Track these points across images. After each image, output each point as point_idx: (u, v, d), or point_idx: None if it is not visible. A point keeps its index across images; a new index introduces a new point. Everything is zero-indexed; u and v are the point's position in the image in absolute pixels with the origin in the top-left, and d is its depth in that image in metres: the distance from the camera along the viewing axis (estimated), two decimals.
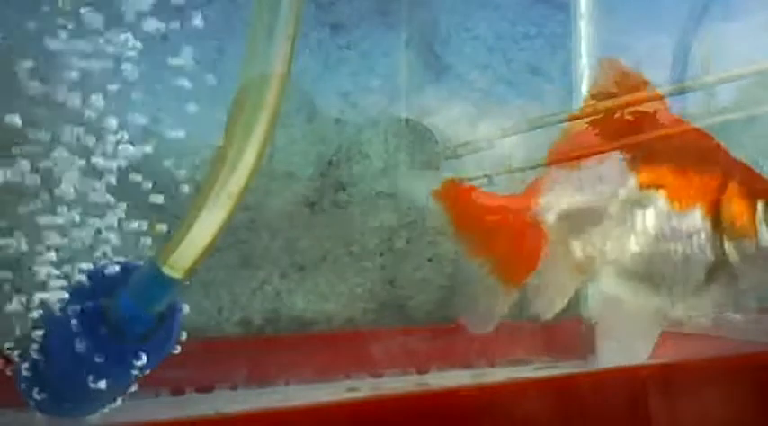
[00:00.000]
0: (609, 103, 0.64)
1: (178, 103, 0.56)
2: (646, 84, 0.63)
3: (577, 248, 0.65)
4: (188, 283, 0.49)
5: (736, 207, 0.57)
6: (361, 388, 0.81)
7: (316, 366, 0.82)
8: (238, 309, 0.85)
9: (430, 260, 0.95)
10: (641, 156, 0.62)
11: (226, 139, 0.48)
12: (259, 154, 0.48)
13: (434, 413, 0.58)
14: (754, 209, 0.56)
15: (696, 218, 0.58)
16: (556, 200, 0.65)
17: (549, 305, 0.68)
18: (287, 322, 0.87)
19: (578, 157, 0.65)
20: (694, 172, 0.59)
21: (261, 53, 0.47)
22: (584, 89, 1.03)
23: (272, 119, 0.48)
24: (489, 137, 0.89)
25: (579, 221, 0.64)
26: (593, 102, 0.66)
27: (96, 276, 0.54)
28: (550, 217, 0.65)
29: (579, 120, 0.67)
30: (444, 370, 0.88)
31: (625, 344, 0.64)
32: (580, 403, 0.62)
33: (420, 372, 0.87)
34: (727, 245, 0.57)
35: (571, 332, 0.98)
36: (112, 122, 0.53)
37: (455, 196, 0.71)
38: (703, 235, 0.57)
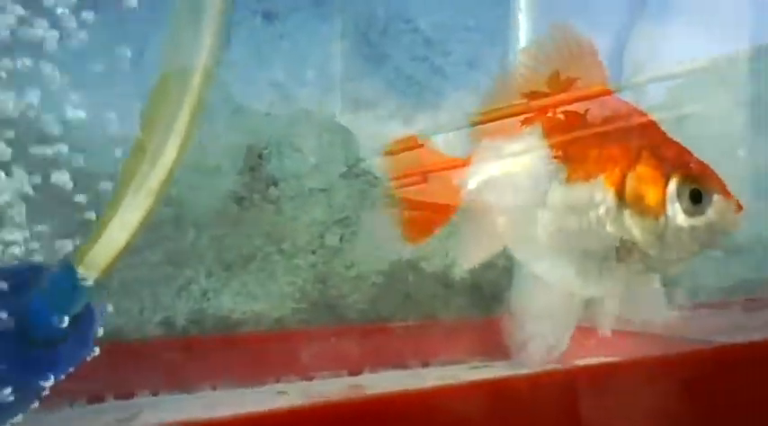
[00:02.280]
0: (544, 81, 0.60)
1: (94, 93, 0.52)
2: (594, 54, 0.59)
3: (497, 217, 0.62)
4: (106, 283, 0.46)
5: (643, 181, 0.53)
6: (291, 392, 0.78)
7: (244, 369, 0.79)
8: (161, 310, 0.81)
9: (364, 257, 0.93)
10: (555, 127, 0.58)
11: (144, 132, 0.45)
12: (182, 148, 0.46)
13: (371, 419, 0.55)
14: (665, 186, 0.52)
15: (597, 192, 0.54)
16: (480, 168, 0.63)
17: (467, 256, 0.67)
18: (213, 323, 0.83)
19: (497, 118, 0.63)
20: (602, 143, 0.55)
21: (185, 42, 0.45)
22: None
23: (196, 111, 0.45)
24: (426, 133, 0.87)
25: (499, 190, 0.62)
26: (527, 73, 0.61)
27: (2, 276, 0.50)
28: (473, 183, 0.63)
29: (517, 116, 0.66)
30: (377, 372, 0.86)
31: (544, 332, 0.62)
32: (518, 405, 0.61)
33: (352, 374, 0.85)
34: (632, 223, 0.53)
35: (505, 329, 0.97)
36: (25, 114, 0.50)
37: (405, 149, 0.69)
38: (605, 210, 0.53)
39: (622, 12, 1.12)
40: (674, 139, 0.56)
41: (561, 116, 0.59)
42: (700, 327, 0.73)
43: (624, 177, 0.53)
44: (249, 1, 0.88)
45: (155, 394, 0.74)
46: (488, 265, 1.03)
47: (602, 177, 0.53)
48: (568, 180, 0.55)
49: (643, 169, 0.53)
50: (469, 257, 0.67)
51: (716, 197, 0.51)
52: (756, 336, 0.72)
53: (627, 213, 0.53)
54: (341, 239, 0.91)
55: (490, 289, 1.02)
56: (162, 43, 0.46)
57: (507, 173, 0.61)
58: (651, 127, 0.57)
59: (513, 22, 1.08)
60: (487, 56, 1.07)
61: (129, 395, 0.73)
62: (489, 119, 0.64)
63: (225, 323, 0.84)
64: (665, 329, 0.76)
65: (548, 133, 0.58)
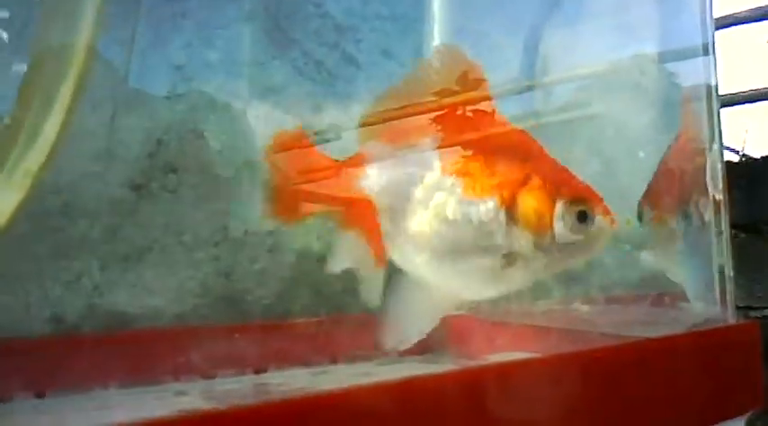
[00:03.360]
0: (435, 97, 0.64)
1: None
2: (481, 82, 0.63)
3: (386, 223, 0.65)
4: None
5: (532, 202, 0.59)
6: (191, 391, 0.74)
7: (140, 368, 0.74)
8: (49, 305, 0.75)
9: (270, 250, 0.89)
10: (448, 144, 0.63)
11: (19, 111, 0.42)
12: (61, 128, 0.42)
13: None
14: (552, 207, 0.59)
15: (491, 207, 0.59)
16: (371, 172, 0.66)
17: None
18: (107, 319, 0.78)
19: (390, 119, 0.66)
20: (497, 164, 0.61)
21: (62, 18, 0.42)
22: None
23: (77, 91, 0.42)
24: (337, 127, 0.86)
25: (388, 197, 0.65)
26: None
27: None
28: (365, 185, 0.66)
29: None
30: (284, 369, 0.82)
31: (404, 323, 0.65)
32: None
33: (257, 372, 0.81)
34: (520, 236, 0.59)
35: None
36: None
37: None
38: (496, 225, 0.59)
39: (537, 8, 1.12)
40: (559, 163, 0.62)
41: (454, 132, 0.64)
42: (611, 322, 0.73)
43: (515, 197, 0.59)
44: None
45: (40, 396, 0.69)
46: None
47: (495, 196, 0.60)
48: (464, 194, 0.61)
49: (532, 191, 0.59)
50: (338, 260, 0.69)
51: (597, 217, 0.59)
52: (665, 331, 0.73)
53: (516, 230, 0.59)
54: (246, 231, 0.87)
55: None
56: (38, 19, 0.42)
57: (396, 179, 0.64)
58: (539, 149, 0.63)
59: (427, 13, 1.06)
60: (401, 46, 1.05)
61: (6, 398, 0.67)
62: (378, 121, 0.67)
63: (119, 319, 0.78)
64: (582, 323, 0.77)
65: (440, 148, 0.63)
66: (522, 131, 0.64)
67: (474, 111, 0.64)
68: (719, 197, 0.79)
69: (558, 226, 0.58)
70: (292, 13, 0.93)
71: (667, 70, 0.97)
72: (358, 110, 0.94)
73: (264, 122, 0.90)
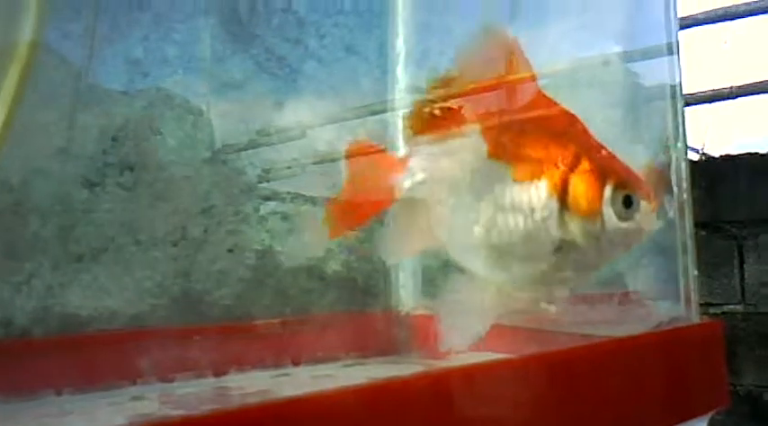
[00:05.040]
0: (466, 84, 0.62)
1: None
2: (524, 61, 0.60)
3: (430, 215, 0.64)
4: None
5: (583, 186, 0.55)
6: (149, 396, 0.71)
7: (94, 372, 0.72)
8: None
9: (230, 250, 0.87)
10: (495, 128, 0.60)
11: None
12: (3, 125, 0.40)
13: None
14: (602, 191, 0.55)
15: (542, 194, 0.56)
16: (415, 166, 0.65)
17: (394, 253, 0.71)
18: (59, 321, 0.75)
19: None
20: (545, 146, 0.57)
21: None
22: (400, 71, 1.00)
23: (20, 86, 0.40)
24: (303, 124, 0.84)
25: (432, 189, 0.63)
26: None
27: None
28: (407, 182, 0.65)
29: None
30: (245, 372, 0.80)
31: (461, 325, 0.62)
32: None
33: (217, 375, 0.79)
34: (572, 224, 0.56)
35: (382, 325, 0.95)
36: None
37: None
38: (548, 212, 0.56)
39: (501, 5, 1.11)
40: (603, 143, 0.59)
41: (497, 116, 0.62)
42: (577, 322, 0.73)
43: (566, 181, 0.56)
44: None
45: None
46: (363, 258, 1.00)
47: (545, 180, 0.56)
48: (514, 181, 0.57)
49: (583, 175, 0.56)
50: (396, 253, 0.71)
51: (643, 202, 0.55)
52: (630, 330, 0.72)
53: (568, 216, 0.55)
54: (205, 230, 0.85)
55: (364, 283, 0.98)
56: None
57: (446, 172, 0.62)
58: (583, 129, 0.59)
59: (390, 8, 1.05)
60: (364, 42, 1.04)
61: None
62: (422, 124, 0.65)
63: (73, 321, 0.76)
64: (550, 324, 0.76)
65: (486, 133, 0.60)
66: (567, 111, 0.61)
67: (520, 92, 0.61)
68: (684, 195, 0.79)
69: (608, 212, 0.55)
70: (253, 8, 0.91)
71: (631, 70, 0.97)
72: (321, 107, 0.93)
73: (224, 119, 0.88)
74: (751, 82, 1.74)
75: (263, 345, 0.83)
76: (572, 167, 0.56)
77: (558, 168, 0.56)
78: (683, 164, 0.79)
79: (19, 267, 0.74)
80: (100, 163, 0.79)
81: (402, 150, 0.70)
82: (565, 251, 0.56)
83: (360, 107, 0.97)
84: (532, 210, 0.56)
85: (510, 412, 0.60)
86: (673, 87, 0.81)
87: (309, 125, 0.90)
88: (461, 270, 0.62)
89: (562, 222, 0.56)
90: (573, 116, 0.60)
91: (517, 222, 0.57)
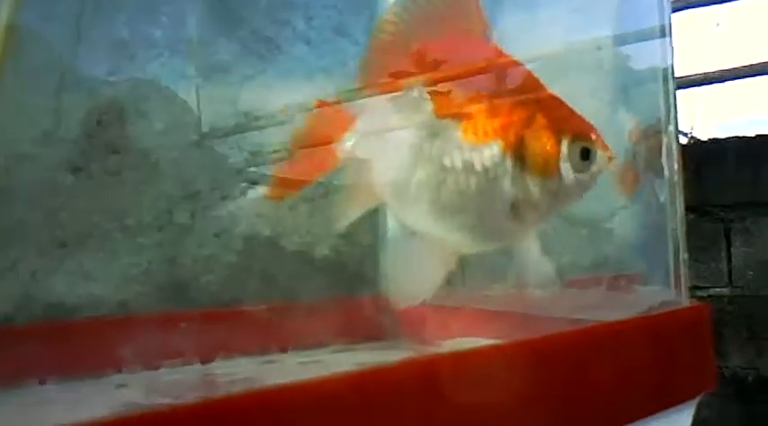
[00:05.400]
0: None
1: None
2: (477, 12, 0.59)
3: (375, 174, 0.62)
4: None
5: (539, 143, 0.55)
6: (133, 383, 0.71)
7: (79, 360, 0.71)
8: None
9: (217, 235, 0.86)
10: (440, 85, 0.58)
11: None
12: None
13: None
14: (559, 147, 0.55)
15: (495, 152, 0.55)
16: (360, 126, 0.63)
17: (342, 214, 0.68)
18: (43, 308, 0.74)
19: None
20: (497, 103, 0.56)
21: None
22: None
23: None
24: (292, 108, 0.83)
25: (376, 148, 0.62)
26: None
27: None
28: (349, 142, 0.63)
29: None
30: (232, 358, 0.79)
31: (410, 282, 0.63)
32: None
33: (204, 361, 0.78)
34: (529, 182, 0.55)
35: (371, 310, 0.94)
36: None
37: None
38: (502, 171, 0.55)
39: None
40: (559, 96, 0.57)
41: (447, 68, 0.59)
42: (565, 306, 0.72)
43: (521, 139, 0.55)
44: None
45: None
46: (353, 242, 0.99)
47: (499, 139, 0.55)
48: (464, 140, 0.56)
49: (538, 132, 0.55)
50: (343, 215, 0.67)
51: (599, 152, 0.55)
52: (620, 314, 0.72)
53: (524, 174, 0.55)
54: (192, 215, 0.84)
55: (354, 267, 0.98)
56: None
57: (389, 131, 0.61)
58: (533, 79, 0.58)
59: None
60: (353, 23, 1.02)
61: None
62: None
63: (58, 308, 0.74)
64: (537, 309, 0.76)
65: (432, 90, 0.58)
66: (519, 64, 0.59)
67: (469, 43, 0.59)
68: (675, 178, 0.78)
69: (565, 167, 0.54)
70: None
71: (623, 52, 0.97)
72: (310, 90, 0.92)
73: (210, 102, 0.86)
74: (739, 65, 1.74)
75: (250, 331, 0.82)
76: (527, 123, 0.55)
77: (511, 125, 0.55)
78: (674, 147, 0.79)
79: (3, 253, 0.72)
80: (85, 146, 0.77)
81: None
82: (522, 208, 0.56)
83: (349, 90, 0.96)
84: (485, 169, 0.55)
85: (499, 398, 0.60)
86: (665, 70, 0.81)
87: (298, 108, 0.89)
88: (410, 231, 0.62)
89: (518, 180, 0.55)
90: (527, 71, 0.59)
91: (469, 182, 0.56)
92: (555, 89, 0.59)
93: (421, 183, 0.58)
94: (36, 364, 0.68)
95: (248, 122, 0.88)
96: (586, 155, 0.55)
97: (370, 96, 0.63)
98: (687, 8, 1.77)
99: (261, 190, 0.90)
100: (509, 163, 0.55)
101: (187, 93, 0.85)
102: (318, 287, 0.93)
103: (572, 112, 0.57)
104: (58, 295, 0.75)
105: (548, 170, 0.55)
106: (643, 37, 0.86)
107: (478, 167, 0.55)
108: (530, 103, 0.56)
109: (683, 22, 1.79)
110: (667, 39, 0.81)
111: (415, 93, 0.58)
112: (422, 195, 0.58)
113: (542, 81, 0.58)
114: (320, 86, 0.96)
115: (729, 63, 1.76)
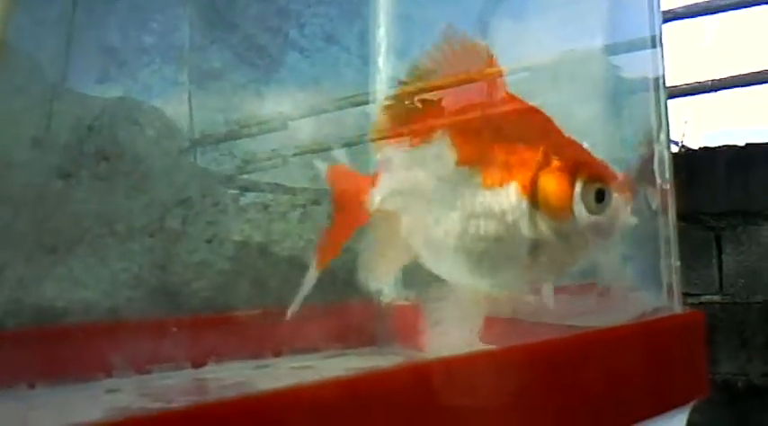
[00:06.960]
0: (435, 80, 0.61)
1: None
2: (490, 60, 0.60)
3: (404, 227, 0.64)
4: None
5: (551, 185, 0.55)
6: (124, 388, 0.70)
7: (69, 365, 0.70)
8: None
9: (208, 241, 0.86)
10: (461, 132, 0.59)
11: None
12: None
13: None
14: (572, 188, 0.54)
15: (512, 196, 0.56)
16: (386, 180, 0.65)
17: (376, 277, 0.71)
18: (33, 313, 0.73)
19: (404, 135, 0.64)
20: (513, 148, 0.57)
21: None
22: (381, 62, 0.99)
23: None
24: (284, 116, 0.83)
25: (405, 201, 0.64)
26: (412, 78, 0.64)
27: None
28: (377, 198, 0.65)
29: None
30: (224, 363, 0.79)
31: (452, 329, 0.62)
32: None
33: (196, 366, 0.78)
34: (543, 224, 0.55)
35: (362, 315, 0.94)
36: None
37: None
38: (519, 214, 0.55)
39: None
40: (570, 136, 0.58)
41: (464, 119, 0.61)
42: (558, 312, 0.72)
43: (535, 181, 0.55)
44: None
45: None
46: (344, 248, 0.99)
47: (514, 182, 0.56)
48: (483, 185, 0.57)
49: (552, 173, 0.55)
50: (378, 274, 0.70)
51: (615, 194, 0.55)
52: (613, 321, 0.72)
53: (539, 216, 0.55)
54: (183, 221, 0.83)
55: (344, 274, 0.97)
56: None
57: (415, 181, 0.62)
58: (549, 124, 0.59)
59: None
60: (345, 32, 1.03)
61: None
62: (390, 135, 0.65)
63: (47, 313, 0.74)
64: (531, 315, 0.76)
65: (455, 138, 0.59)
66: (535, 108, 0.60)
67: (485, 92, 0.61)
68: (666, 187, 0.79)
69: (578, 209, 0.54)
70: None
71: (612, 63, 0.97)
72: (302, 97, 0.92)
73: (202, 109, 0.86)
74: (729, 75, 1.76)
75: (242, 336, 0.82)
76: (541, 166, 0.55)
77: (526, 169, 0.56)
78: (666, 156, 0.79)
79: None
80: (75, 153, 0.77)
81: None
82: (539, 250, 0.56)
83: (341, 98, 0.96)
84: (504, 213, 0.56)
85: (492, 404, 0.60)
86: (656, 80, 0.81)
87: (290, 116, 0.89)
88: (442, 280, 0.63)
89: (533, 222, 0.55)
90: (541, 113, 0.60)
91: (489, 227, 0.56)
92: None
93: (450, 234, 0.58)
94: (26, 368, 0.67)
95: (240, 129, 0.88)
96: (601, 196, 0.55)
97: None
98: (676, 19, 1.79)
99: (251, 197, 0.90)
100: (525, 206, 0.55)
101: (179, 101, 0.85)
102: (310, 292, 0.93)
103: (589, 155, 0.58)
104: (48, 300, 0.74)
105: (560, 210, 0.55)
106: (634, 47, 0.86)
107: (498, 212, 0.56)
108: (545, 146, 0.56)
109: (673, 32, 1.80)
110: (658, 49, 0.81)
111: (439, 143, 0.59)
112: (452, 245, 0.59)
113: (558, 125, 0.59)
114: (312, 94, 0.96)
115: (720, 73, 1.78)
